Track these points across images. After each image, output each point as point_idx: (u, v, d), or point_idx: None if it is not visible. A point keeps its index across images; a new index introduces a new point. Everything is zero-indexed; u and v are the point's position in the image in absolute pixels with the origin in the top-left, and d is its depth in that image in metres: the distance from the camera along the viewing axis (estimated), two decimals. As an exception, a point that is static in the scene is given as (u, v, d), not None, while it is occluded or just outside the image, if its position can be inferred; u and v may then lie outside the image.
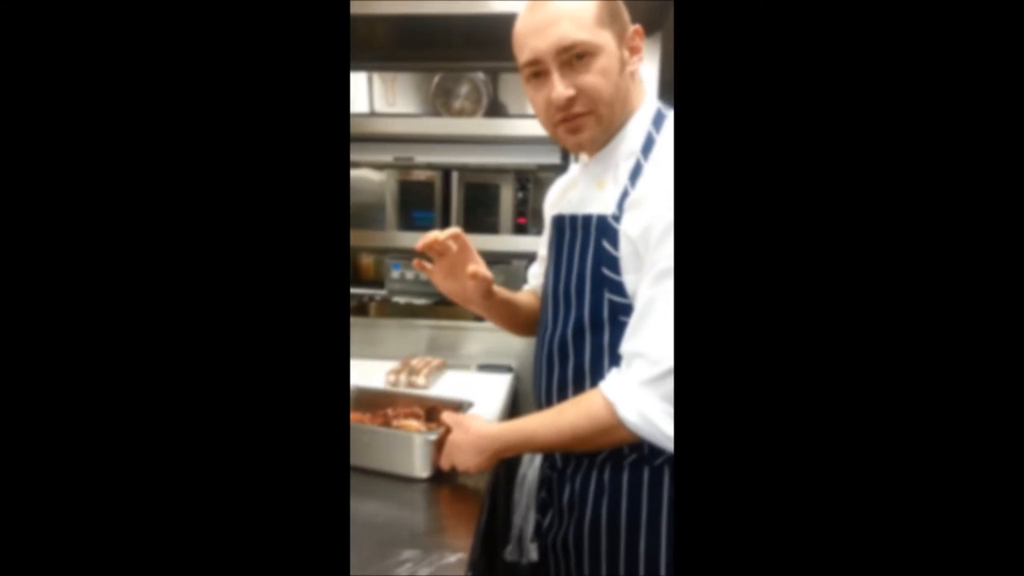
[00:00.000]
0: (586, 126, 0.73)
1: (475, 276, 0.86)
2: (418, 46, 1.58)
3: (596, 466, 0.77)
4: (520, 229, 2.33)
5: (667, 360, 0.66)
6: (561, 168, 1.57)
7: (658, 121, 0.74)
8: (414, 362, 1.41)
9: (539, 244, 1.61)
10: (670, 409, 0.66)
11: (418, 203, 2.43)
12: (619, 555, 0.75)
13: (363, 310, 2.19)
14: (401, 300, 2.15)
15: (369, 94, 2.09)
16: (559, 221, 0.81)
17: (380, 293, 2.20)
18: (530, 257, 2.10)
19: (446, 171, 2.29)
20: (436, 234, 0.87)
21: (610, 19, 0.70)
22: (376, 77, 2.02)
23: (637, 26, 0.72)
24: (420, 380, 1.34)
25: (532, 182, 2.35)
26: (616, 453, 0.75)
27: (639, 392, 0.67)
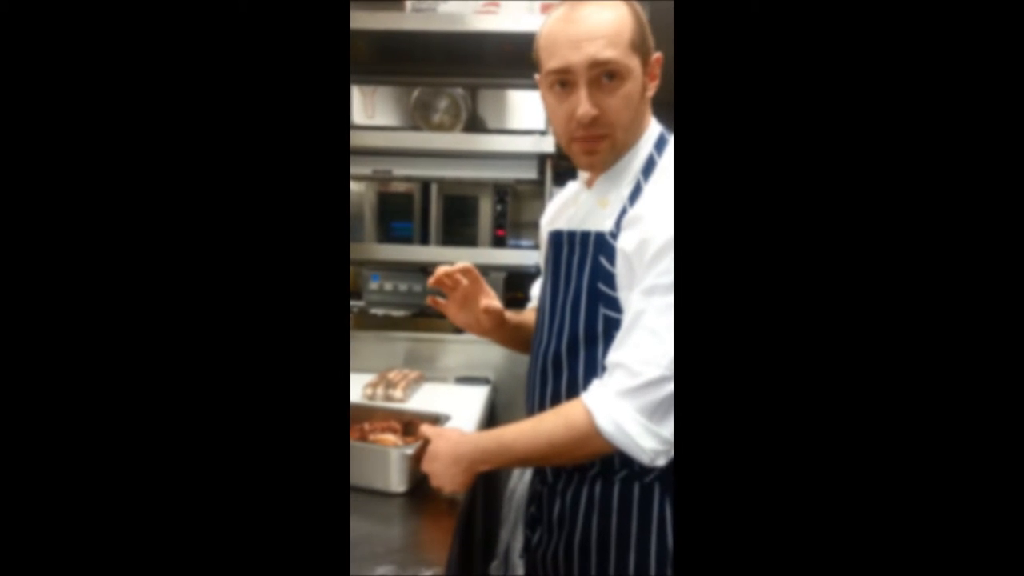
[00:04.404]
0: (600, 149, 0.74)
1: (488, 311, 0.89)
2: (398, 61, 1.60)
3: (587, 481, 0.77)
4: (499, 242, 2.35)
5: (647, 372, 0.66)
6: (539, 183, 1.59)
7: (660, 144, 0.77)
8: (391, 375, 1.40)
9: (521, 257, 1.63)
10: (646, 422, 0.67)
11: (397, 215, 2.43)
12: (608, 572, 0.75)
13: (340, 322, 2.16)
14: (379, 312, 2.14)
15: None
16: (557, 237, 0.82)
17: (358, 305, 2.19)
18: (509, 270, 2.11)
19: (425, 183, 2.30)
20: (446, 269, 0.87)
21: (641, 44, 0.71)
22: (355, 90, 2.03)
23: (659, 54, 0.74)
24: (397, 393, 1.34)
25: (511, 195, 2.37)
26: (607, 469, 0.75)
27: (616, 402, 0.68)
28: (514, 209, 2.32)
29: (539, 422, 0.75)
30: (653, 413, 0.67)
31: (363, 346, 1.57)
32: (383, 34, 1.38)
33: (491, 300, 0.91)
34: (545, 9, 1.37)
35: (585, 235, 0.77)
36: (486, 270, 2.17)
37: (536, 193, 2.23)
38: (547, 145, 1.41)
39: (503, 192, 2.28)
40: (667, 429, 0.68)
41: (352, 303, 2.20)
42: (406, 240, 2.34)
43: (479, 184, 2.20)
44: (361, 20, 1.34)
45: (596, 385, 0.72)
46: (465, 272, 0.89)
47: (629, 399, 0.67)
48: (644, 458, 0.69)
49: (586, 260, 0.76)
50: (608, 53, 0.69)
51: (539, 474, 0.86)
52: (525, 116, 2.20)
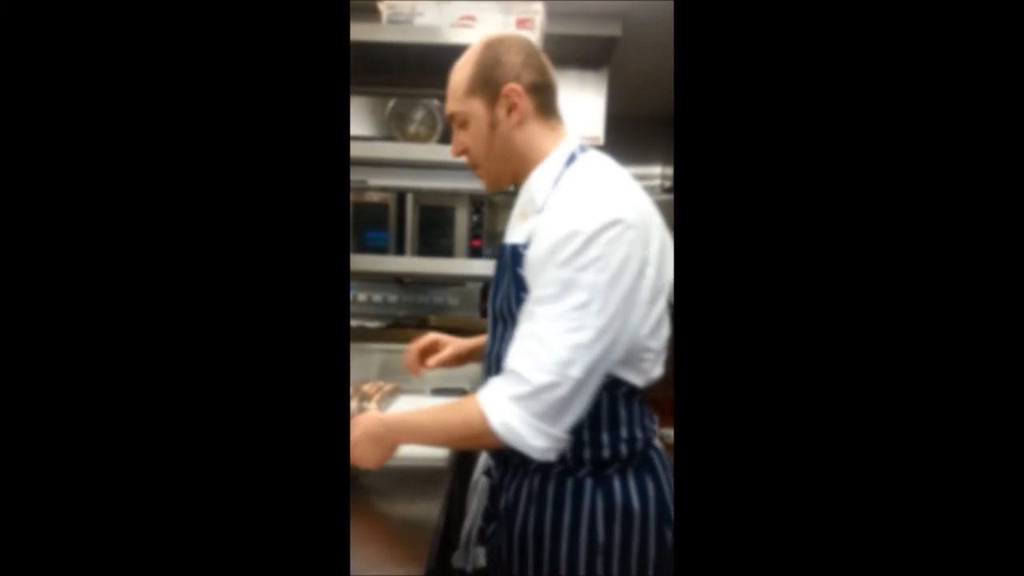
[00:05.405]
0: (480, 175, 0.88)
1: (440, 364, 1.02)
2: (373, 71, 1.60)
3: (528, 475, 0.82)
4: (475, 252, 2.35)
5: (536, 379, 0.70)
6: (515, 194, 1.59)
7: (570, 161, 0.81)
8: (366, 387, 1.39)
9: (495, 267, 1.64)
10: (537, 423, 0.71)
11: (372, 224, 2.41)
12: (543, 563, 0.79)
13: (314, 333, 2.13)
14: (354, 323, 2.12)
15: (323, 116, 2.08)
16: (500, 247, 0.90)
17: (332, 316, 2.16)
18: (485, 280, 2.11)
19: (400, 193, 2.29)
20: (411, 358, 1.04)
21: (481, 86, 0.80)
22: (330, 99, 2.01)
23: (510, 85, 0.79)
24: (371, 406, 1.32)
25: (487, 206, 2.38)
26: (546, 464, 0.79)
27: (509, 406, 0.72)
28: (490, 220, 2.33)
29: (442, 412, 0.80)
30: (545, 416, 0.71)
31: (337, 358, 1.55)
32: (359, 45, 1.38)
33: (440, 356, 1.03)
34: (520, 24, 1.39)
35: (504, 248, 0.84)
36: (462, 280, 2.17)
37: (513, 204, 2.25)
38: (523, 157, 1.42)
39: (479, 203, 2.29)
40: (559, 428, 0.72)
41: (326, 314, 2.16)
42: (381, 250, 2.32)
43: (455, 195, 2.20)
44: (337, 31, 1.34)
45: (493, 386, 0.75)
46: (429, 350, 1.04)
47: (521, 404, 0.71)
48: (535, 455, 0.72)
49: (509, 272, 0.81)
50: (451, 107, 0.84)
51: (487, 471, 0.91)
52: (501, 128, 2.20)
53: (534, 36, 1.34)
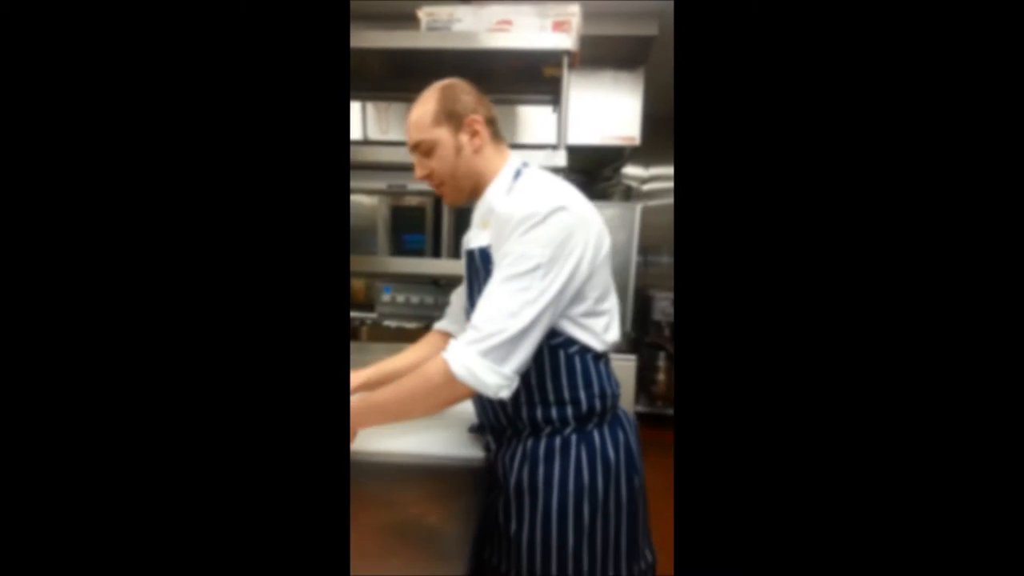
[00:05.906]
0: (444, 193, 1.03)
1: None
2: (411, 77, 1.63)
3: (522, 439, 0.95)
4: (510, 254, 2.36)
5: (486, 326, 0.84)
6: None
7: (517, 175, 0.98)
8: (404, 386, 1.41)
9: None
10: (489, 363, 0.84)
11: (409, 227, 2.46)
12: (537, 510, 0.91)
13: (354, 334, 2.19)
14: (392, 324, 2.16)
15: (363, 123, 2.14)
16: (466, 254, 1.05)
17: (371, 317, 2.21)
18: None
19: (437, 197, 2.33)
20: None
21: (445, 117, 0.97)
22: (370, 106, 2.07)
23: (472, 116, 0.96)
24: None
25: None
26: (535, 428, 0.94)
27: (466, 349, 0.85)
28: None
29: (397, 385, 0.90)
30: (495, 356, 0.83)
31: (376, 358, 1.58)
32: (396, 52, 1.41)
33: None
34: (557, 26, 1.40)
35: (472, 252, 0.99)
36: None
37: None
38: (559, 160, 1.43)
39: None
40: (508, 367, 0.84)
41: (365, 315, 2.22)
42: (418, 253, 2.37)
43: (491, 197, 2.21)
44: (379, 39, 1.37)
45: (454, 341, 0.87)
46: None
47: (475, 346, 0.84)
48: (489, 392, 0.84)
49: (482, 272, 0.96)
50: (416, 136, 0.99)
51: (487, 447, 1.05)
52: (536, 131, 2.22)
53: (571, 38, 1.35)
